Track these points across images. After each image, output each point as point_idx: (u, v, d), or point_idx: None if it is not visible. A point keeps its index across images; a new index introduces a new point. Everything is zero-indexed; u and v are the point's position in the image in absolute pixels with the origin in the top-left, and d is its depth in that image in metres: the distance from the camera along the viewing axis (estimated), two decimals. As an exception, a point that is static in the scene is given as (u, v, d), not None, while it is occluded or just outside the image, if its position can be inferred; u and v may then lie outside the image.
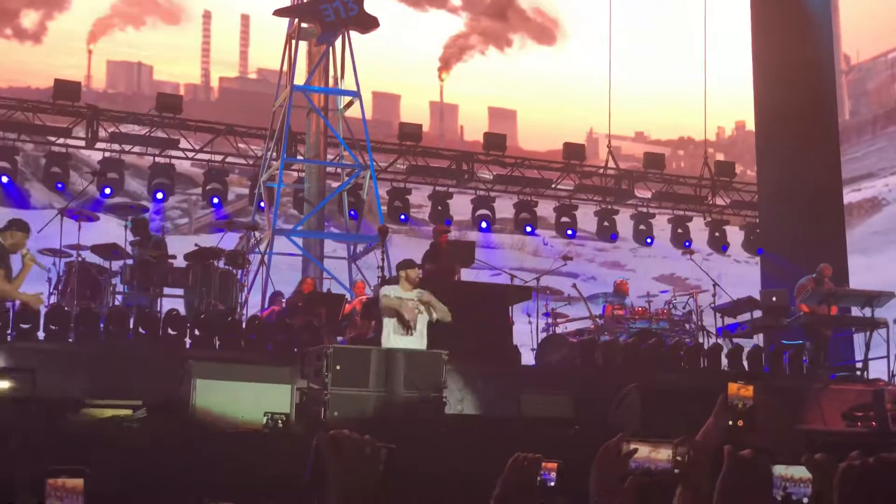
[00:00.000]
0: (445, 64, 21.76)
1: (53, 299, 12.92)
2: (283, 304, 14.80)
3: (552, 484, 3.19)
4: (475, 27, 21.98)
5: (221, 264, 13.90)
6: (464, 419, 9.54)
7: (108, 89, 23.33)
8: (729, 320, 15.91)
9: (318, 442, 2.41)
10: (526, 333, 15.19)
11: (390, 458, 2.55)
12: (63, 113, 18.05)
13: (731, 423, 2.82)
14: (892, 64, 20.37)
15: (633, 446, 2.72)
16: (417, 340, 10.39)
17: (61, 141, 18.09)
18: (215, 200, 18.46)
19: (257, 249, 16.40)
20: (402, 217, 19.65)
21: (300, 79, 17.28)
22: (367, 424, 7.76)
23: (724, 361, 14.60)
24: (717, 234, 21.77)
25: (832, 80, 21.00)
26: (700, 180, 22.15)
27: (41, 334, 11.94)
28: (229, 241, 16.08)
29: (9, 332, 11.75)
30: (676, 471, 2.65)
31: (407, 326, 10.26)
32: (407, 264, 10.83)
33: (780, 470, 2.43)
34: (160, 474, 7.16)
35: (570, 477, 3.32)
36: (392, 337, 10.33)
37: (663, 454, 2.70)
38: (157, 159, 18.44)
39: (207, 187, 18.59)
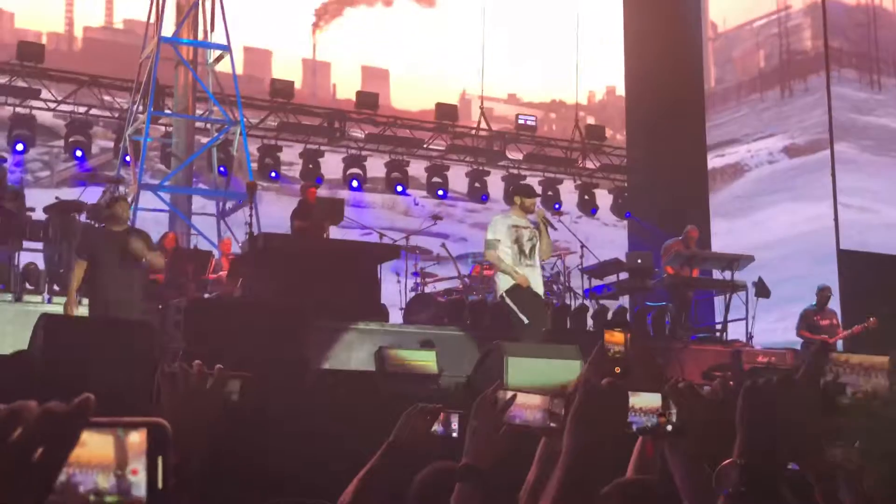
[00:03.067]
0: (319, 20, 21.48)
1: None
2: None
3: (454, 435, 3.19)
4: (350, -16, 21.77)
5: (83, 218, 13.56)
6: (329, 375, 9.50)
7: (-34, 36, 22.48)
8: (596, 282, 16.17)
9: (157, 377, 2.36)
10: (395, 293, 15.21)
11: (244, 387, 2.51)
12: (-83, 59, 17.34)
13: (608, 369, 2.84)
14: (758, 32, 20.83)
15: (509, 395, 2.72)
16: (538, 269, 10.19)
17: (-86, 88, 17.38)
18: (78, 153, 17.96)
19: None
20: (273, 174, 19.43)
21: (169, 31, 16.88)
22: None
23: (590, 322, 14.86)
24: (586, 196, 22.08)
25: (699, 47, 21.44)
26: (571, 143, 22.40)
27: None
28: (92, 194, 15.69)
29: None
30: (552, 424, 2.66)
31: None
32: (524, 191, 10.57)
33: (633, 400, 2.47)
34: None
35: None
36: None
37: (540, 404, 2.71)
38: (18, 109, 17.85)
39: (70, 139, 18.06)
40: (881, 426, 2.24)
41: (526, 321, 9.89)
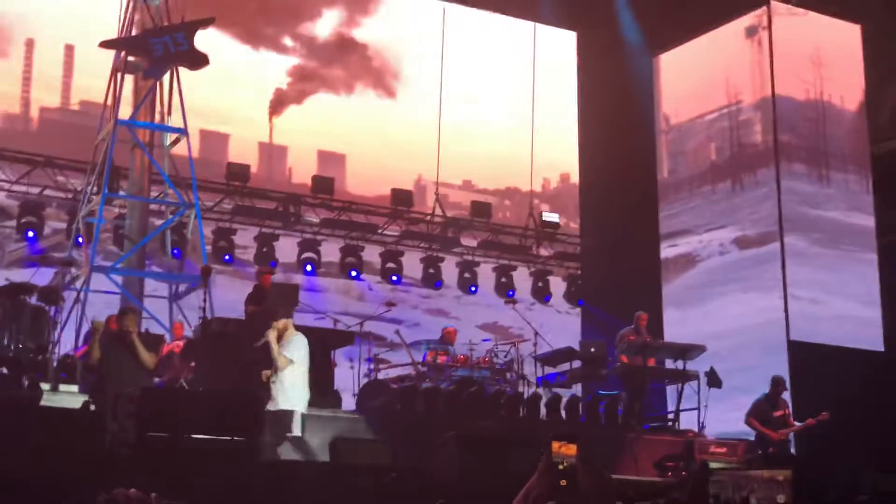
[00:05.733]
0: (276, 106, 21.60)
1: None
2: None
3: None
4: (306, 69, 21.94)
5: (34, 300, 13.40)
6: (280, 465, 9.38)
7: (-80, 115, 22.35)
8: (549, 370, 16.18)
9: (98, 501, 2.33)
10: (348, 378, 15.12)
11: None
12: None
13: (554, 482, 2.83)
14: (709, 125, 21.21)
15: None
16: None
17: None
18: (30, 234, 17.80)
19: (73, 286, 15.87)
20: (227, 258, 19.35)
21: (125, 113, 16.88)
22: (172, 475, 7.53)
23: (543, 410, 14.84)
24: (540, 283, 22.17)
25: (652, 139, 21.78)
26: (525, 230, 22.54)
27: None
28: (43, 276, 15.52)
29: None
30: None
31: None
32: None
33: None
34: None
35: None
36: None
37: None
38: (-30, 189, 17.72)
39: (22, 220, 17.92)
40: None
41: None
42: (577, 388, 17.07)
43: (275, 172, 21.64)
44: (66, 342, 14.36)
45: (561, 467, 2.81)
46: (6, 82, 19.17)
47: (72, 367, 12.91)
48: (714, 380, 14.82)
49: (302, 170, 21.60)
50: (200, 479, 7.34)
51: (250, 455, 8.45)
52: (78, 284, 15.77)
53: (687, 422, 15.16)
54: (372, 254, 21.06)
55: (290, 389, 10.58)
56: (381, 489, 7.88)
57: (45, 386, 12.17)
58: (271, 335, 10.60)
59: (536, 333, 16.00)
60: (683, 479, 10.75)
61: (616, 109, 21.37)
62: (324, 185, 20.37)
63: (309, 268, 20.14)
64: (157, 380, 13.17)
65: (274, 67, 21.53)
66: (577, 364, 16.01)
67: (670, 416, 15.74)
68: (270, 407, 10.52)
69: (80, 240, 16.70)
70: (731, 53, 20.78)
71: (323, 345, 13.69)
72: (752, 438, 14.05)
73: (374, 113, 22.17)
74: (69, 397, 11.54)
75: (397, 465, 9.18)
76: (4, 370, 12.07)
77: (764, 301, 18.89)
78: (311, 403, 12.17)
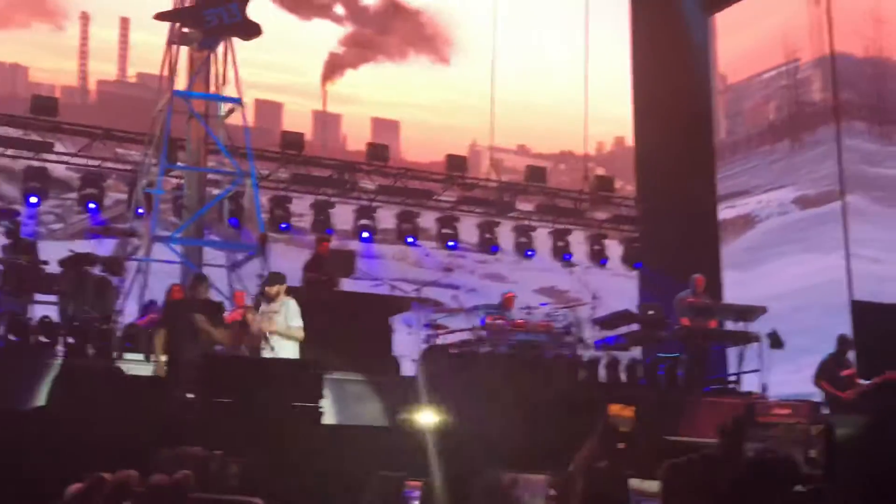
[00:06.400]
0: (329, 73, 21.64)
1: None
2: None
3: (416, 503, 3.20)
4: (360, 37, 21.94)
5: (97, 271, 13.59)
6: (341, 430, 9.47)
7: (-20, 90, 22.67)
8: (607, 333, 16.14)
9: (161, 457, 2.36)
10: (406, 344, 15.19)
11: (243, 472, 2.52)
12: (-69, 113, 17.45)
13: (612, 445, 2.83)
14: (767, 84, 20.93)
15: (509, 478, 2.71)
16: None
17: (-71, 142, 17.48)
18: (91, 206, 18.02)
19: (135, 256, 16.07)
20: (283, 226, 19.46)
21: (181, 84, 17.00)
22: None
23: (602, 373, 14.82)
24: (596, 247, 22.06)
25: (709, 100, 21.52)
26: (580, 194, 22.44)
27: None
28: (106, 247, 15.73)
29: None
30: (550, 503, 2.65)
31: None
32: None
33: (634, 483, 2.47)
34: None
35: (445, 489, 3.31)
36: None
37: (541, 485, 2.70)
38: (31, 163, 17.94)
39: (83, 192, 18.13)
40: None
41: None
42: (636, 352, 17.00)
43: (329, 140, 21.73)
44: (130, 312, 14.56)
45: (620, 430, 2.80)
46: (63, 56, 19.40)
47: (136, 336, 13.08)
48: (776, 341, 14.67)
49: (356, 137, 21.68)
50: (262, 443, 7.43)
51: (311, 419, 8.54)
52: (139, 254, 15.95)
53: (748, 384, 15.04)
54: (428, 220, 21.07)
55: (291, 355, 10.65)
56: (441, 454, 7.93)
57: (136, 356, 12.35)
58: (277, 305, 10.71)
59: (594, 297, 15.95)
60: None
61: (671, 70, 21.12)
62: (379, 152, 20.39)
63: (365, 235, 20.18)
64: (218, 347, 13.34)
65: (327, 36, 21.59)
66: (635, 327, 15.94)
67: (731, 378, 15.63)
68: None
69: (141, 211, 16.88)
70: (789, 11, 20.46)
71: (381, 311, 13.78)
72: (818, 399, 13.91)
73: (428, 79, 22.16)
74: (134, 365, 11.70)
75: (458, 429, 9.22)
76: (70, 339, 12.26)
77: (824, 261, 18.68)
78: (369, 369, 12.30)
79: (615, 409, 2.86)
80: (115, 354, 12.27)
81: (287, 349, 10.55)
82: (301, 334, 10.63)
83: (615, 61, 22.78)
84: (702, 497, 2.10)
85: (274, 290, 10.84)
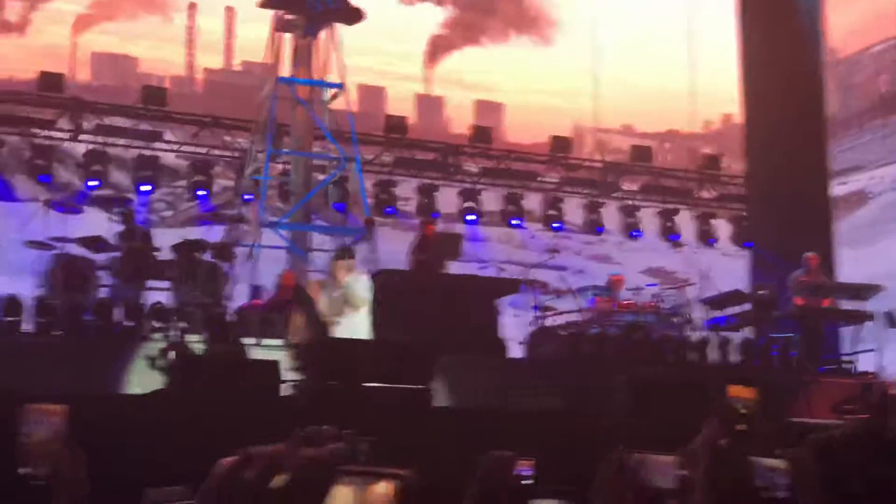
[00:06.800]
0: (431, 56, 21.67)
1: (40, 292, 12.82)
2: (270, 297, 14.68)
3: (529, 482, 3.16)
4: (462, 19, 21.91)
5: (207, 257, 13.82)
6: (453, 412, 9.49)
7: (94, 81, 23.18)
8: (717, 313, 15.90)
9: (291, 439, 2.35)
10: (514, 326, 15.14)
11: (372, 450, 2.51)
12: (48, 105, 17.89)
13: (731, 427, 2.75)
14: (878, 58, 20.37)
15: (636, 459, 2.65)
16: None
17: (45, 133, 17.94)
18: (201, 193, 18.33)
19: (244, 242, 16.30)
20: (389, 209, 19.55)
21: (285, 71, 17.16)
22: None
23: (712, 354, 14.60)
24: (704, 227, 21.73)
25: (819, 74, 20.99)
26: (687, 173, 22.11)
27: (28, 327, 11.85)
28: (215, 233, 15.98)
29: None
30: (680, 484, 2.59)
31: None
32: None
33: (761, 461, 2.41)
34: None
35: (555, 471, 3.27)
36: None
37: (668, 465, 2.64)
38: (143, 152, 18.31)
39: (192, 179, 18.46)
40: None
41: None
42: (747, 332, 16.71)
43: (433, 123, 21.77)
44: (239, 297, 14.75)
45: (741, 412, 2.72)
46: (172, 46, 19.76)
47: (246, 321, 13.24)
48: (892, 320, 14.32)
49: (460, 120, 21.69)
50: (376, 426, 7.47)
51: (424, 402, 8.57)
52: (248, 240, 16.16)
53: (864, 364, 14.68)
54: (532, 201, 20.98)
55: (360, 331, 10.68)
56: (552, 435, 7.89)
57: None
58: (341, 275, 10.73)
59: (703, 277, 15.72)
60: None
61: (781, 44, 20.63)
62: (482, 134, 20.35)
63: (470, 217, 20.16)
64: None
65: (429, 20, 21.60)
66: (746, 307, 15.67)
67: (846, 358, 15.27)
68: None
69: (248, 197, 17.10)
70: (902, -20, 19.88)
71: (488, 294, 13.76)
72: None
73: (531, 61, 22.06)
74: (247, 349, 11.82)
75: (568, 411, 9.17)
76: (183, 324, 12.47)
77: (943, 237, 18.15)
78: (476, 351, 12.30)
79: (735, 390, 2.78)
80: (228, 338, 12.44)
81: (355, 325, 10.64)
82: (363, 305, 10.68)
83: (722, 37, 22.37)
84: (846, 474, 2.02)
85: (341, 263, 10.89)
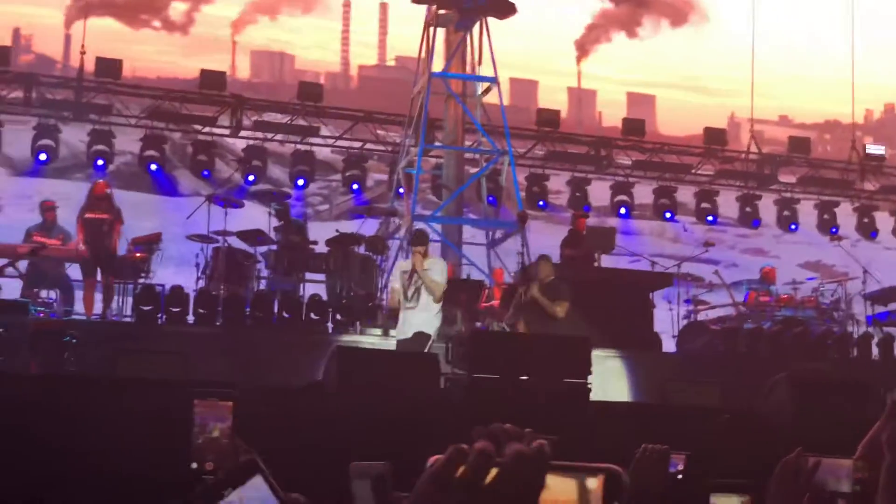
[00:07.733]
0: (582, 49, 21.55)
1: (201, 284, 13.24)
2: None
3: (679, 476, 3.12)
4: (612, 12, 21.73)
5: (362, 250, 14.05)
6: (608, 406, 9.43)
7: (252, 79, 23.82)
8: (879, 308, 15.43)
9: (474, 436, 2.35)
10: (666, 320, 14.99)
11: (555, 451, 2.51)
12: (209, 102, 18.44)
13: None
14: None
15: (813, 462, 2.59)
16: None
17: (207, 130, 18.49)
18: (355, 187, 18.64)
19: (396, 235, 16.50)
20: (541, 203, 19.51)
21: (438, 65, 17.30)
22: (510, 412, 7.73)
23: (875, 350, 14.18)
24: (865, 219, 21.08)
25: None
26: (847, 164, 21.48)
27: (191, 318, 12.27)
28: (369, 226, 16.23)
29: (159, 315, 12.12)
30: (857, 487, 2.52)
31: None
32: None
33: None
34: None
35: (706, 467, 3.23)
36: None
37: (847, 469, 2.57)
38: (299, 147, 18.70)
39: (347, 174, 18.78)
40: None
41: None
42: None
43: (584, 116, 21.66)
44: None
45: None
46: (327, 43, 20.13)
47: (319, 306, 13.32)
48: None
49: (611, 113, 21.52)
50: (531, 420, 7.49)
51: (580, 396, 8.55)
52: (401, 233, 16.36)
53: None
54: (686, 194, 20.68)
55: (434, 316, 10.60)
56: (713, 431, 7.78)
57: (375, 331, 12.73)
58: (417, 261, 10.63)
59: (865, 271, 15.27)
60: None
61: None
62: (634, 127, 20.15)
63: (623, 210, 19.99)
64: (478, 324, 13.55)
65: (581, 12, 21.48)
66: (910, 302, 15.17)
67: None
68: (399, 336, 10.69)
69: (401, 190, 17.30)
70: None
71: (641, 287, 13.65)
72: None
73: (682, 52, 21.73)
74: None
75: (727, 407, 9.03)
76: (339, 316, 12.72)
77: None
78: (631, 345, 12.21)
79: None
80: (381, 332, 12.63)
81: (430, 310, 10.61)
82: (438, 291, 10.61)
83: (884, 24, 21.66)
84: None
85: (417, 250, 10.85)
